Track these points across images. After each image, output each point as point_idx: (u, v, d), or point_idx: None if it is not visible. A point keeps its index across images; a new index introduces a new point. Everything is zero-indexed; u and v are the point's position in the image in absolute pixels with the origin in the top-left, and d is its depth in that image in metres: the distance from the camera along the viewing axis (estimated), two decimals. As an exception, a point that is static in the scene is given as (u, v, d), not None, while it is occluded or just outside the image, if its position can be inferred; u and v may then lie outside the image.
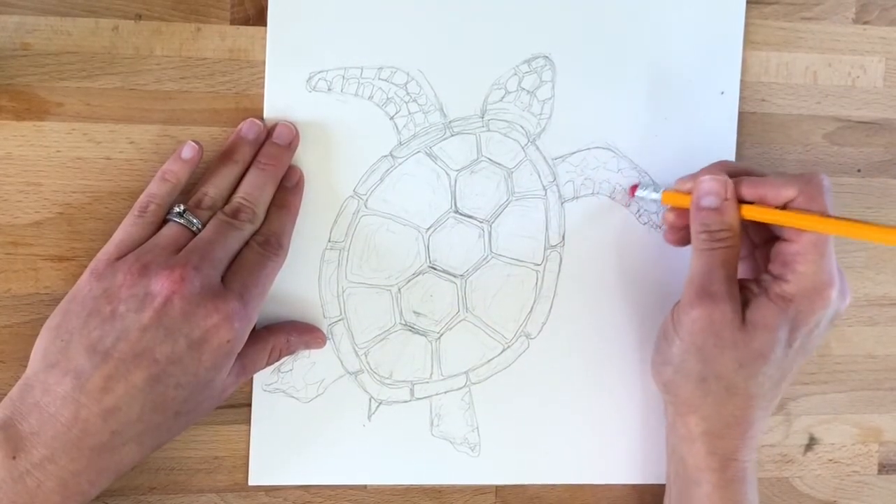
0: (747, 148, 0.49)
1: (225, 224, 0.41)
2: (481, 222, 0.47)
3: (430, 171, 0.46)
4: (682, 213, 0.44)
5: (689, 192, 0.43)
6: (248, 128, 0.44)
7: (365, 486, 0.47)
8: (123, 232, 0.41)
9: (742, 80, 0.48)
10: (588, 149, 0.47)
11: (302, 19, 0.44)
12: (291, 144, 0.44)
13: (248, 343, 0.41)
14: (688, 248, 0.45)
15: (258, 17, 0.44)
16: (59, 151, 0.43)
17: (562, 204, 0.47)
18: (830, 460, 0.51)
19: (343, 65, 0.45)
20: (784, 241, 0.42)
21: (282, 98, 0.45)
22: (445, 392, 0.47)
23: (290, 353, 0.45)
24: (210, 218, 0.42)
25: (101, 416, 0.38)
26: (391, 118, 0.45)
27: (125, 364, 0.38)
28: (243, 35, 0.45)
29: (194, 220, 0.41)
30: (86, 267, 0.41)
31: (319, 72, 0.45)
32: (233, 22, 0.44)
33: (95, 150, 0.44)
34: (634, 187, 0.47)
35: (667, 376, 0.44)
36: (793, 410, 0.51)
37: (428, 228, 0.46)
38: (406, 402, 0.47)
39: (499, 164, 0.47)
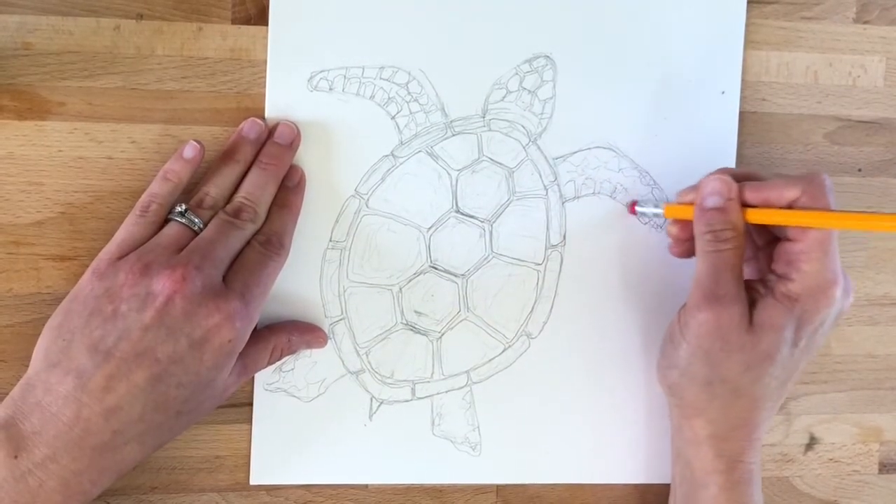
0: (748, 147, 0.49)
1: (226, 224, 0.41)
2: (482, 222, 0.47)
3: (432, 171, 0.46)
4: (686, 225, 0.44)
5: (691, 203, 0.43)
6: (250, 127, 0.44)
7: (366, 486, 0.47)
8: (125, 231, 0.41)
9: (743, 80, 0.48)
10: (589, 148, 0.47)
11: (303, 19, 0.44)
12: (293, 144, 0.44)
13: (249, 342, 0.41)
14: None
15: (260, 17, 0.44)
16: (60, 151, 0.43)
17: (563, 203, 0.47)
18: (831, 460, 0.51)
19: (344, 64, 0.45)
20: (788, 241, 0.42)
21: (283, 97, 0.45)
22: (446, 391, 0.47)
23: (292, 352, 0.45)
24: (212, 217, 0.42)
25: (103, 415, 0.38)
26: (392, 118, 0.46)
27: (127, 363, 0.38)
28: (245, 34, 0.45)
29: (196, 220, 0.41)
30: (87, 266, 0.41)
31: (321, 71, 0.45)
32: (234, 21, 0.44)
33: (97, 149, 0.44)
34: (633, 204, 0.47)
35: (672, 379, 0.44)
36: (793, 410, 0.51)
37: (429, 228, 0.46)
38: (407, 401, 0.47)
39: (500, 163, 0.47)
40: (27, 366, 0.39)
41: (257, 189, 0.43)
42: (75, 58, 0.43)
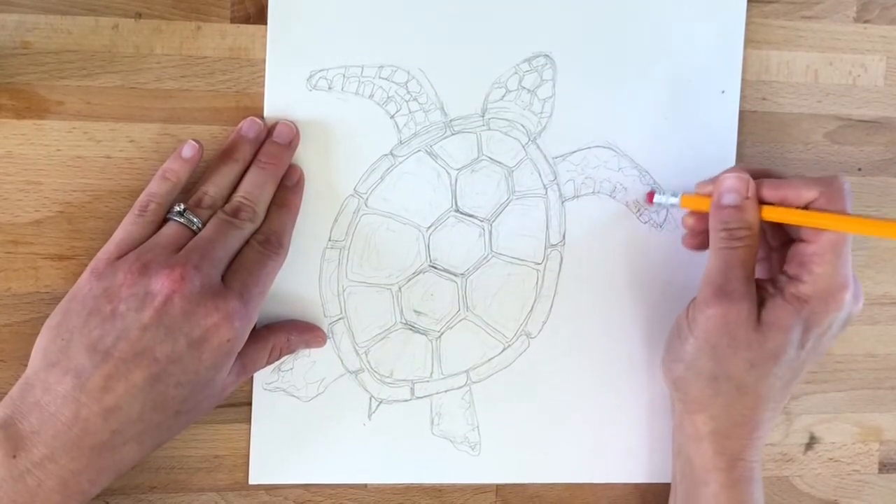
0: (748, 147, 0.49)
1: (225, 223, 0.41)
2: (482, 221, 0.47)
3: (431, 170, 0.46)
4: (702, 217, 0.44)
5: (709, 195, 0.43)
6: (249, 126, 0.44)
7: (365, 485, 0.47)
8: (124, 231, 0.41)
9: (743, 79, 0.48)
10: (589, 147, 0.47)
11: (302, 18, 0.44)
12: (292, 143, 0.44)
13: (248, 342, 0.41)
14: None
15: (258, 16, 0.44)
16: (59, 150, 0.43)
17: (562, 203, 0.47)
18: (831, 459, 0.51)
19: (343, 63, 0.45)
20: (802, 242, 0.42)
21: (282, 97, 0.45)
22: (446, 391, 0.47)
23: (291, 351, 0.45)
24: (210, 217, 0.42)
25: (102, 415, 0.38)
26: (392, 117, 0.45)
27: (125, 363, 0.38)
28: (244, 33, 0.44)
29: (194, 219, 0.41)
30: (86, 266, 0.41)
31: (320, 70, 0.45)
32: (233, 20, 0.44)
33: (96, 148, 0.44)
34: (651, 194, 0.47)
35: (677, 373, 0.44)
36: (793, 409, 0.51)
37: (428, 227, 0.46)
38: (406, 400, 0.47)
39: (499, 162, 0.46)
40: (26, 365, 0.39)
41: (256, 188, 0.43)
42: (74, 57, 0.43)
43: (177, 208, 0.41)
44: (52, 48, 0.43)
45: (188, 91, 0.44)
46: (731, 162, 0.48)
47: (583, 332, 0.48)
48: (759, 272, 0.45)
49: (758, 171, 0.43)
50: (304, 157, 0.45)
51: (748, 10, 0.48)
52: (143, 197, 0.42)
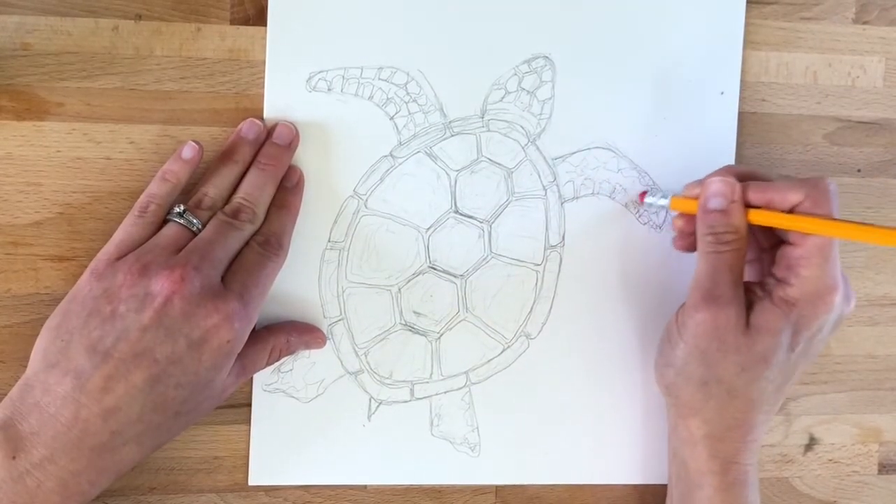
0: (747, 148, 0.49)
1: (225, 224, 0.41)
2: (481, 222, 0.47)
3: (430, 171, 0.46)
4: (691, 219, 0.44)
5: (697, 198, 0.43)
6: (248, 128, 0.44)
7: (365, 487, 0.47)
8: (123, 232, 0.41)
9: (742, 80, 0.48)
10: (588, 149, 0.47)
11: (302, 19, 0.44)
12: (291, 144, 0.44)
13: (248, 343, 0.41)
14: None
15: (258, 17, 0.44)
16: (59, 151, 0.43)
17: (562, 204, 0.47)
18: (830, 460, 0.51)
19: (343, 65, 0.45)
20: (789, 245, 0.42)
21: (282, 98, 0.45)
22: (445, 392, 0.47)
23: (290, 353, 0.45)
24: (210, 218, 0.42)
25: (102, 416, 0.38)
26: (391, 118, 0.45)
27: (125, 364, 0.38)
28: (243, 35, 0.45)
29: (194, 221, 0.41)
30: (86, 267, 0.41)
31: (319, 72, 0.45)
32: (233, 22, 0.44)
33: (95, 150, 0.44)
34: (643, 194, 0.47)
35: (669, 379, 0.44)
36: (793, 410, 0.51)
37: (428, 228, 0.46)
38: (406, 402, 0.47)
39: (499, 164, 0.47)
40: (26, 366, 0.39)
41: (256, 189, 0.43)
42: (74, 58, 0.43)
43: (177, 209, 0.41)
44: (52, 50, 0.43)
45: (188, 92, 0.44)
46: (731, 163, 0.48)
47: (582, 332, 0.48)
48: (750, 274, 0.45)
49: (744, 172, 0.43)
50: (304, 158, 0.45)
51: (747, 12, 0.48)
52: (142, 198, 0.42)
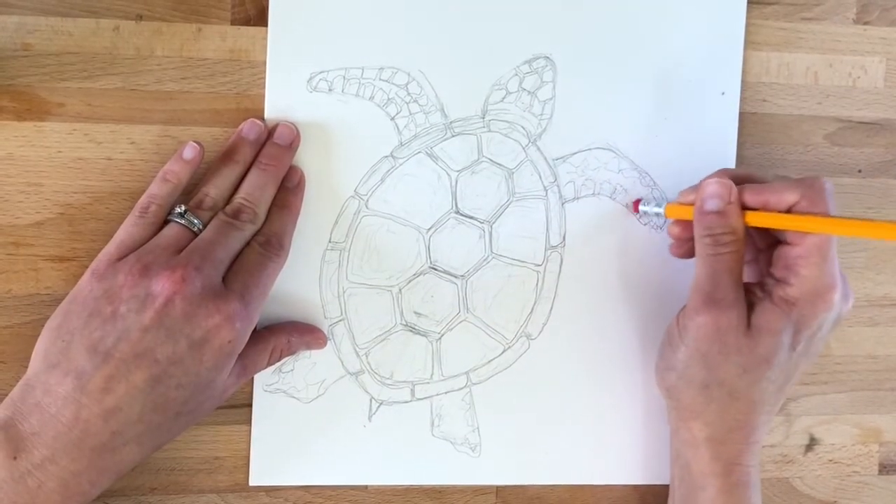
0: (748, 148, 0.49)
1: (226, 224, 0.41)
2: (482, 223, 0.47)
3: (431, 172, 0.46)
4: (687, 225, 0.44)
5: (692, 204, 0.43)
6: (249, 128, 0.44)
7: (366, 487, 0.47)
8: (124, 232, 0.41)
9: (743, 81, 0.48)
10: (589, 149, 0.47)
11: (303, 20, 0.44)
12: (292, 145, 0.44)
13: (248, 343, 0.41)
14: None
15: (259, 18, 0.44)
16: (60, 152, 0.43)
17: (562, 204, 0.47)
18: (831, 461, 0.51)
19: (344, 65, 0.45)
20: (787, 245, 0.42)
21: (283, 98, 0.45)
22: (446, 392, 0.47)
23: (291, 353, 0.45)
24: (211, 218, 0.42)
25: (102, 416, 0.38)
26: (392, 119, 0.45)
27: (126, 364, 0.38)
28: (244, 35, 0.45)
29: (195, 221, 0.41)
30: (87, 267, 0.41)
31: (320, 72, 0.45)
32: (234, 22, 0.44)
33: (96, 150, 0.44)
34: (637, 202, 0.47)
35: (670, 382, 0.44)
36: (793, 411, 0.51)
37: (429, 229, 0.46)
38: (407, 402, 0.47)
39: (499, 164, 0.47)
40: (26, 367, 0.39)
41: (257, 190, 0.43)
42: (74, 59, 0.43)
43: (178, 210, 0.41)
44: (53, 50, 0.43)
45: (189, 93, 0.44)
46: (731, 163, 0.48)
47: (583, 333, 0.48)
48: (748, 275, 0.45)
49: (740, 175, 0.43)
50: (305, 158, 0.45)
51: (748, 12, 0.48)
52: (143, 198, 0.42)
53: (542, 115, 0.47)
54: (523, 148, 0.47)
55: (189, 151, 0.43)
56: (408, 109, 0.45)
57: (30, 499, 0.37)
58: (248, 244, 0.42)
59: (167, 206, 0.42)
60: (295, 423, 0.46)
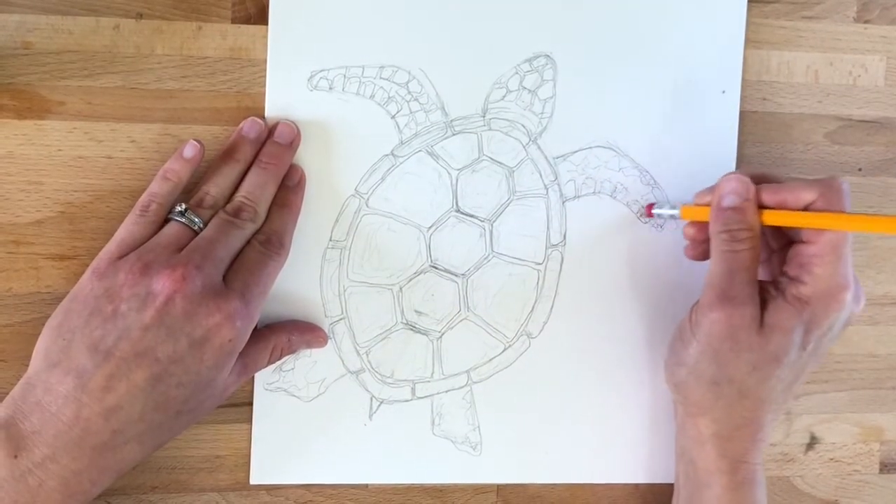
0: (748, 147, 0.49)
1: (226, 223, 0.41)
2: (482, 221, 0.47)
3: (432, 170, 0.46)
4: (703, 227, 0.44)
5: (707, 205, 0.43)
6: (250, 127, 0.44)
7: (366, 485, 0.47)
8: (125, 231, 0.41)
9: (743, 79, 0.48)
10: (589, 148, 0.47)
11: (303, 18, 0.44)
12: (293, 143, 0.44)
13: (249, 342, 0.41)
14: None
15: (259, 16, 0.44)
16: (60, 150, 0.43)
17: (563, 203, 0.47)
18: (831, 459, 0.51)
19: (344, 64, 0.45)
20: (802, 244, 0.42)
21: (283, 97, 0.45)
22: (447, 391, 0.47)
23: (292, 352, 0.45)
24: (212, 217, 0.42)
25: (103, 415, 0.38)
26: (392, 117, 0.45)
27: (127, 363, 0.38)
28: (244, 34, 0.44)
29: (196, 220, 0.41)
30: (87, 266, 0.41)
31: (321, 71, 0.45)
32: (234, 21, 0.44)
33: (97, 148, 0.44)
34: (650, 206, 0.47)
35: (680, 377, 0.44)
36: (794, 410, 0.51)
37: (429, 227, 0.46)
38: (407, 401, 0.47)
39: (500, 163, 0.47)
40: (27, 365, 0.39)
41: (257, 188, 0.43)
42: (75, 57, 0.43)
43: (178, 208, 0.41)
44: (53, 48, 0.43)
45: (189, 91, 0.44)
46: (732, 162, 0.48)
47: (583, 332, 0.48)
48: (762, 274, 0.45)
49: (756, 174, 0.43)
50: (305, 157, 0.45)
51: (748, 11, 0.48)
52: (144, 197, 0.42)
53: (542, 113, 0.47)
54: (524, 146, 0.47)
55: (189, 150, 0.43)
56: (408, 108, 0.45)
57: (30, 497, 0.37)
58: (248, 243, 0.42)
59: (168, 204, 0.42)
60: (296, 421, 0.46)
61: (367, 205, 0.46)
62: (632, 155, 0.47)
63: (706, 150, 0.48)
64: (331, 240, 0.46)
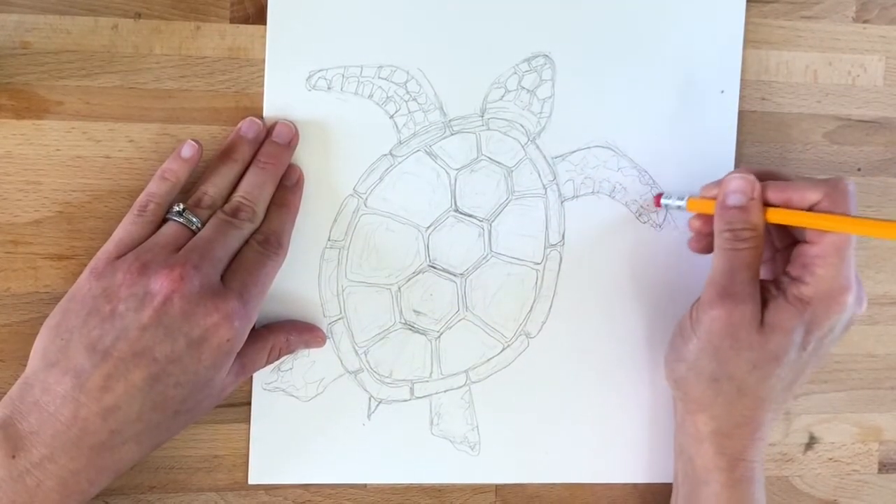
0: (747, 147, 0.49)
1: (225, 223, 0.41)
2: (481, 221, 0.47)
3: (430, 170, 0.46)
4: (708, 219, 0.44)
5: (714, 198, 0.43)
6: (248, 126, 0.44)
7: (365, 485, 0.47)
8: (123, 231, 0.41)
9: (742, 79, 0.48)
10: (588, 147, 0.47)
11: (302, 18, 0.44)
12: (291, 143, 0.44)
13: (247, 342, 0.41)
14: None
15: (258, 16, 0.44)
16: (58, 150, 0.43)
17: (562, 203, 0.47)
18: (830, 459, 0.51)
19: (343, 63, 0.45)
20: (805, 244, 0.42)
21: (281, 97, 0.45)
22: (445, 391, 0.47)
23: (290, 352, 0.45)
24: (210, 217, 0.42)
25: (101, 415, 0.38)
26: (391, 117, 0.45)
27: (125, 363, 0.38)
28: (243, 33, 0.44)
29: (194, 219, 0.41)
30: (85, 266, 0.41)
31: (319, 70, 0.45)
32: (232, 20, 0.44)
33: (95, 148, 0.44)
34: (659, 197, 0.47)
35: (679, 374, 0.44)
36: (793, 409, 0.51)
37: (428, 227, 0.46)
38: (406, 400, 0.47)
39: (499, 162, 0.46)
40: (25, 365, 0.39)
41: (255, 188, 0.43)
42: (73, 57, 0.43)
43: (176, 208, 0.41)
44: (52, 48, 0.43)
45: (187, 91, 0.44)
46: (731, 162, 0.48)
47: (582, 331, 0.48)
48: (764, 273, 0.45)
49: (762, 172, 0.43)
50: (304, 156, 0.45)
51: (747, 10, 0.48)
52: (142, 197, 0.42)
53: (541, 113, 0.47)
54: (522, 146, 0.47)
55: (187, 150, 0.42)
56: (407, 108, 0.45)
57: (28, 497, 0.37)
58: (246, 243, 0.42)
59: (166, 204, 0.42)
60: (294, 421, 0.46)
61: (365, 204, 0.46)
62: (630, 155, 0.47)
63: (705, 150, 0.48)
64: (329, 239, 0.46)
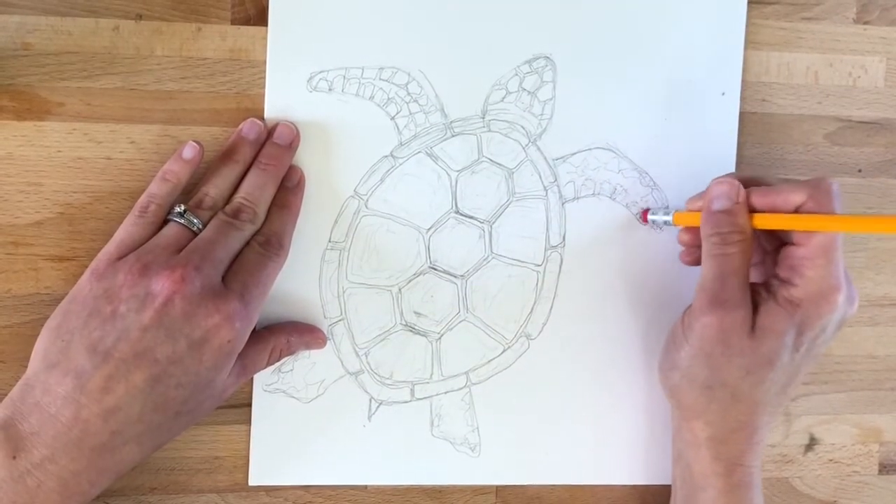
0: (748, 148, 0.49)
1: (226, 224, 0.41)
2: (482, 223, 0.47)
3: (431, 172, 0.46)
4: (697, 232, 0.44)
5: (699, 211, 0.43)
6: (249, 128, 0.44)
7: (365, 487, 0.47)
8: (124, 232, 0.41)
9: (743, 81, 0.48)
10: (589, 149, 0.47)
11: (303, 19, 0.44)
12: (292, 144, 0.44)
13: (248, 343, 0.41)
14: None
15: (259, 17, 0.44)
16: (59, 151, 0.43)
17: (562, 204, 0.47)
18: (831, 460, 0.51)
19: (344, 65, 0.45)
20: (793, 246, 0.42)
21: (282, 98, 0.45)
22: (446, 392, 0.47)
23: (291, 353, 0.45)
24: (211, 218, 0.42)
25: (102, 416, 0.38)
26: (392, 118, 0.45)
27: (126, 364, 0.38)
28: (244, 35, 0.44)
29: (195, 220, 0.41)
30: (86, 267, 0.41)
31: (320, 72, 0.45)
32: (233, 22, 0.44)
33: (96, 149, 0.44)
34: (646, 212, 0.47)
35: (673, 381, 0.44)
36: (793, 410, 0.51)
37: (428, 229, 0.46)
38: (406, 402, 0.47)
39: (499, 164, 0.47)
40: (26, 366, 0.39)
41: (256, 189, 0.43)
42: (74, 58, 0.43)
43: (177, 209, 0.41)
44: (53, 49, 0.43)
45: (188, 92, 0.44)
46: (732, 163, 0.48)
47: (583, 333, 0.48)
48: (755, 276, 0.45)
49: (747, 178, 0.43)
50: (305, 158, 0.45)
51: (748, 12, 0.48)
52: (143, 198, 0.42)
53: (542, 114, 0.47)
54: (523, 148, 0.47)
55: (189, 151, 0.43)
56: (408, 109, 0.45)
57: (29, 498, 0.37)
58: (247, 244, 0.42)
59: (167, 205, 0.42)
60: (294, 422, 0.46)
61: (366, 206, 0.46)
62: (631, 156, 0.47)
63: (706, 152, 0.48)
64: (330, 241, 0.46)
